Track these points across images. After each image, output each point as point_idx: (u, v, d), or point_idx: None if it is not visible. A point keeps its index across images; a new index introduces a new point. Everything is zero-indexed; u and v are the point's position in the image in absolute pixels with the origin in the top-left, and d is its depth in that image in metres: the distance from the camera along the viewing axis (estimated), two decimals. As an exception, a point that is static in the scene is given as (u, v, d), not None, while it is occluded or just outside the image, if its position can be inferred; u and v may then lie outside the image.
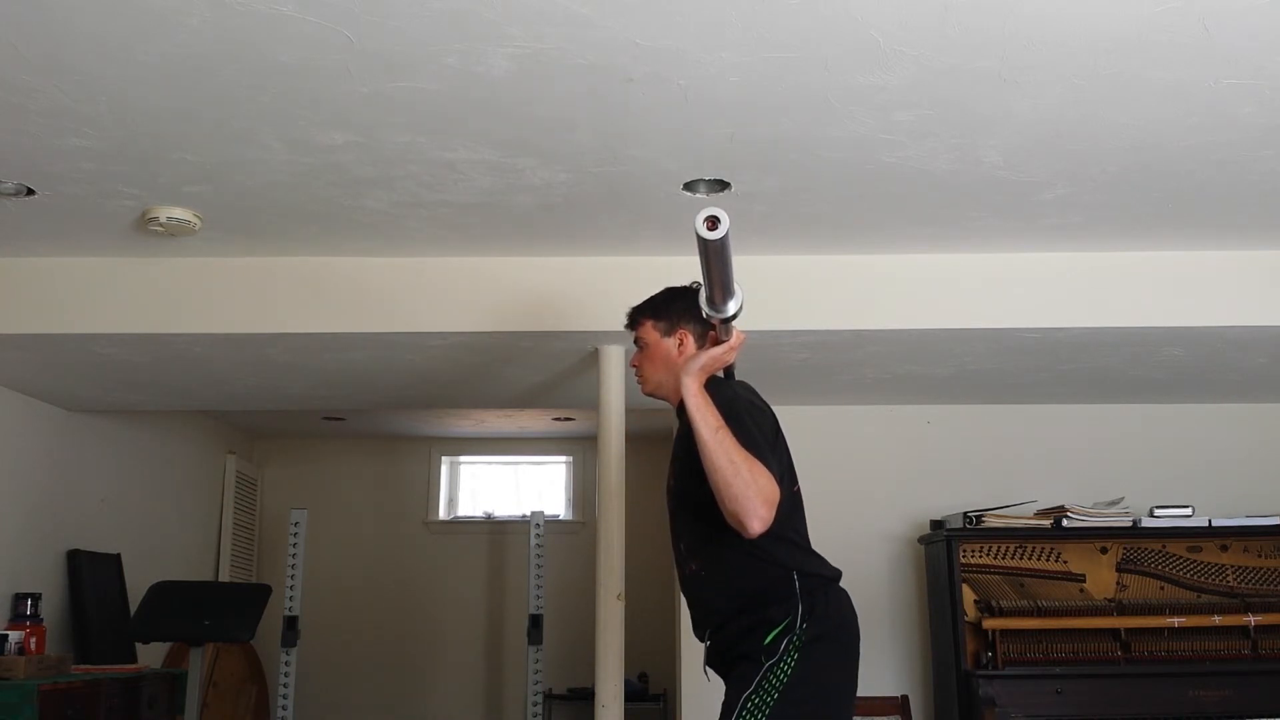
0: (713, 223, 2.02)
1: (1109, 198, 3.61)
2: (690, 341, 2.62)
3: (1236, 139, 3.16)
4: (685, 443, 2.44)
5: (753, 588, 2.42)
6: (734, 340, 2.40)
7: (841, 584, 2.54)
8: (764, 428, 2.45)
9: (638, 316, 2.72)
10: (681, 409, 2.45)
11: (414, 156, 3.27)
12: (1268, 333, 4.24)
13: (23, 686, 3.99)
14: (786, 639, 2.36)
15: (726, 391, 2.45)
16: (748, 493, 2.23)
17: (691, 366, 2.38)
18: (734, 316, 2.30)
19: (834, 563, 2.54)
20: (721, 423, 2.30)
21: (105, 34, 2.58)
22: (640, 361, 2.71)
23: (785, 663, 2.35)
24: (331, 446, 7.63)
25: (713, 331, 2.46)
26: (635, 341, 2.73)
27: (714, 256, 2.10)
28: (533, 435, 7.46)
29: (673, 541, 2.62)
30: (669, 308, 2.68)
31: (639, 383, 2.73)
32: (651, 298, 2.75)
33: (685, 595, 2.60)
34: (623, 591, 4.15)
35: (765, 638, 2.37)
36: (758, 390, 2.66)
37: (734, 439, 2.28)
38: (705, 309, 2.29)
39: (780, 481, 2.33)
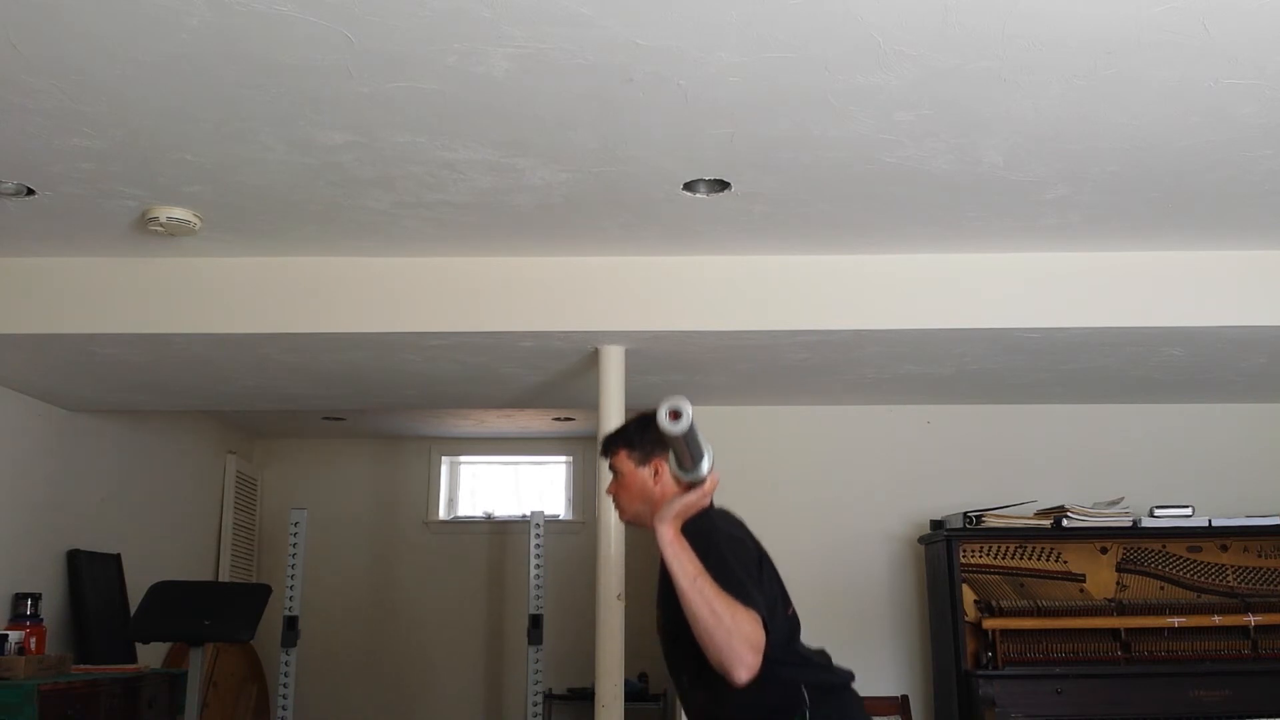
0: (675, 415, 1.97)
1: (1109, 198, 3.61)
2: (665, 471, 2.52)
3: (1236, 139, 3.16)
4: (668, 580, 2.35)
5: (764, 709, 2.37)
6: (708, 485, 2.26)
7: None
8: (745, 561, 2.37)
9: (612, 446, 2.65)
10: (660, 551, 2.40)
11: (414, 156, 3.27)
12: (1268, 333, 4.24)
13: (23, 686, 3.98)
14: None
15: (705, 524, 2.36)
16: (730, 642, 2.15)
17: (665, 514, 2.27)
18: (707, 475, 2.25)
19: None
20: (700, 569, 2.21)
21: (105, 34, 2.58)
22: (616, 490, 2.64)
23: None
24: (331, 446, 7.63)
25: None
26: (610, 469, 2.66)
27: (680, 441, 2.06)
28: (533, 435, 7.46)
29: (672, 676, 2.56)
30: (642, 437, 2.60)
31: (616, 511, 2.67)
32: (624, 427, 2.69)
33: None
34: (623, 591, 4.15)
35: None
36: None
37: (713, 586, 2.20)
38: (675, 472, 2.20)
39: (772, 612, 2.28)
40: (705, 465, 2.17)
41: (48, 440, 5.32)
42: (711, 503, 2.42)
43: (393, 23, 2.54)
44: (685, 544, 2.26)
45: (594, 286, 4.17)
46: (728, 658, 2.16)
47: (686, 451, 2.11)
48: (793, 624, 2.46)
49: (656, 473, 2.56)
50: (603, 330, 4.20)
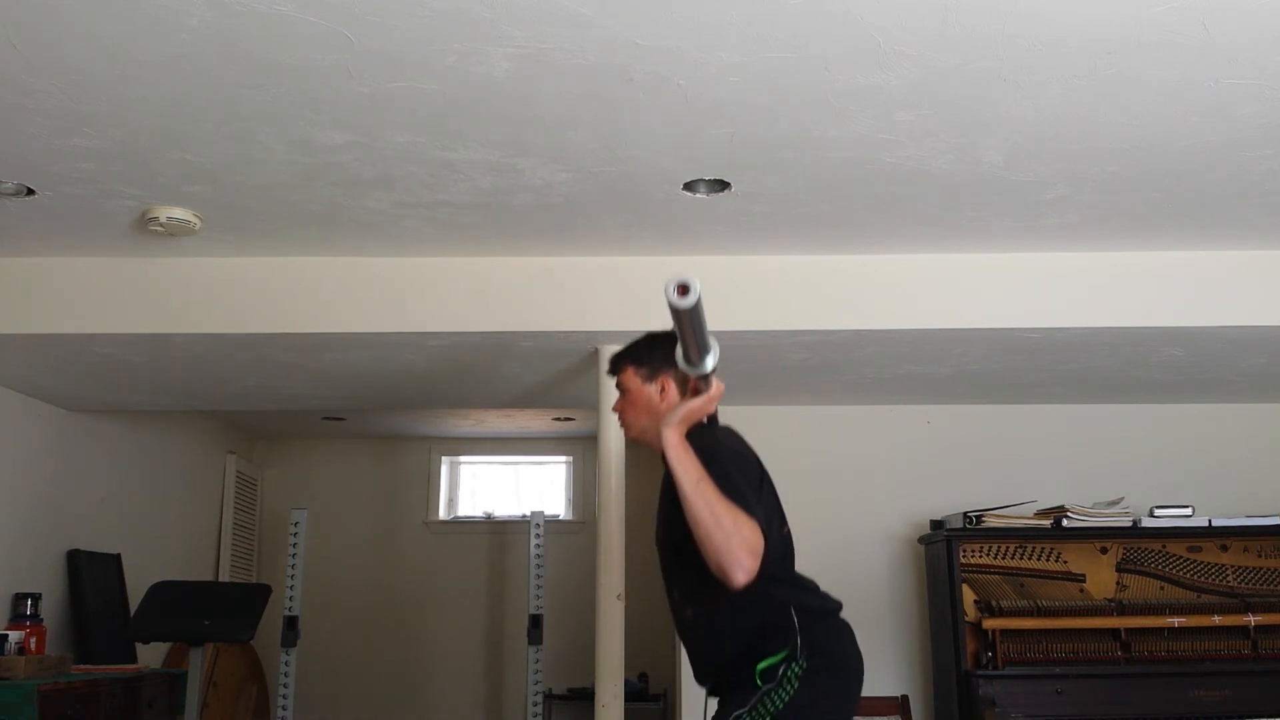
0: (683, 290, 1.99)
1: (1109, 198, 3.61)
2: (672, 388, 2.58)
3: (1236, 139, 3.16)
4: (671, 492, 2.39)
5: (751, 628, 2.40)
6: (713, 391, 2.35)
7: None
8: (747, 474, 2.41)
9: (620, 363, 2.69)
10: (664, 457, 2.42)
11: (414, 156, 3.27)
12: (1268, 333, 4.24)
13: (23, 686, 3.98)
14: (785, 667, 2.35)
15: (709, 439, 2.40)
16: (730, 544, 2.19)
17: (671, 418, 2.34)
18: (712, 371, 2.28)
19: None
20: (703, 474, 2.26)
21: (105, 34, 2.58)
22: (623, 408, 2.68)
23: (784, 689, 2.33)
24: (331, 446, 7.63)
25: (693, 381, 2.42)
26: (617, 386, 2.69)
27: (687, 321, 2.07)
28: (533, 435, 7.46)
29: (666, 589, 2.59)
30: (650, 354, 2.65)
31: (623, 429, 2.70)
32: (633, 344, 2.72)
33: (683, 642, 2.57)
34: (623, 591, 4.15)
35: (763, 664, 2.35)
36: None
37: (716, 489, 2.24)
38: (683, 366, 2.25)
39: (769, 526, 2.30)
40: (710, 360, 2.22)
41: (48, 440, 5.32)
42: (716, 419, 2.49)
43: (393, 23, 2.54)
44: (689, 448, 2.30)
45: (594, 286, 4.17)
46: (726, 560, 2.19)
47: (693, 338, 2.13)
48: (787, 543, 2.50)
49: (663, 390, 2.60)
50: (603, 330, 4.20)
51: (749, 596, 2.28)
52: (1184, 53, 2.68)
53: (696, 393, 2.35)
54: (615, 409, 2.71)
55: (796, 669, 2.35)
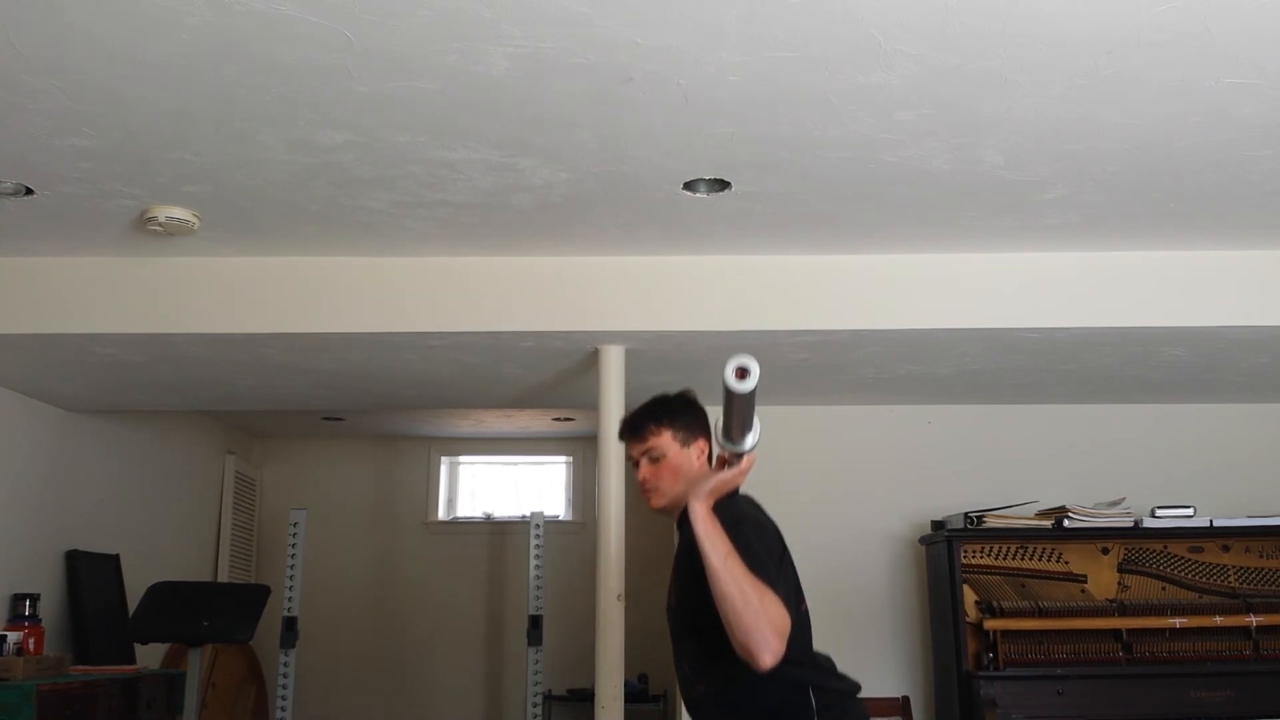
0: (742, 373, 1.92)
1: (1109, 198, 3.61)
2: (705, 453, 2.48)
3: (1236, 139, 3.16)
4: (687, 561, 2.30)
5: (765, 708, 2.31)
6: (744, 464, 2.22)
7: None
8: (770, 548, 2.32)
9: (655, 425, 2.51)
10: (682, 522, 2.33)
11: (414, 156, 3.27)
12: (1268, 333, 4.24)
13: (21, 687, 3.98)
14: None
15: (732, 509, 2.31)
16: (759, 624, 2.10)
17: (700, 490, 2.22)
18: (751, 449, 2.15)
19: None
20: (731, 549, 2.16)
21: (105, 34, 2.58)
22: (654, 474, 2.50)
23: None
24: (331, 446, 7.62)
25: (722, 453, 2.28)
26: (645, 453, 2.51)
27: (739, 403, 2.01)
28: (533, 435, 7.46)
29: (675, 662, 2.48)
30: (684, 416, 2.52)
31: (652, 498, 2.52)
32: (665, 404, 2.56)
33: (693, 718, 2.47)
34: (623, 592, 4.15)
35: None
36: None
37: (743, 566, 2.15)
38: (720, 441, 2.13)
39: (787, 603, 2.21)
40: (751, 439, 2.12)
41: (48, 440, 5.32)
42: (738, 488, 2.38)
43: (393, 23, 2.54)
44: (717, 521, 2.21)
45: (594, 286, 4.17)
46: (755, 640, 2.10)
47: (741, 419, 2.04)
48: (805, 621, 2.40)
49: (701, 455, 2.49)
50: (603, 330, 4.20)
51: (765, 674, 2.16)
52: (1184, 53, 2.68)
53: (723, 464, 2.23)
54: (643, 476, 2.52)
55: None
